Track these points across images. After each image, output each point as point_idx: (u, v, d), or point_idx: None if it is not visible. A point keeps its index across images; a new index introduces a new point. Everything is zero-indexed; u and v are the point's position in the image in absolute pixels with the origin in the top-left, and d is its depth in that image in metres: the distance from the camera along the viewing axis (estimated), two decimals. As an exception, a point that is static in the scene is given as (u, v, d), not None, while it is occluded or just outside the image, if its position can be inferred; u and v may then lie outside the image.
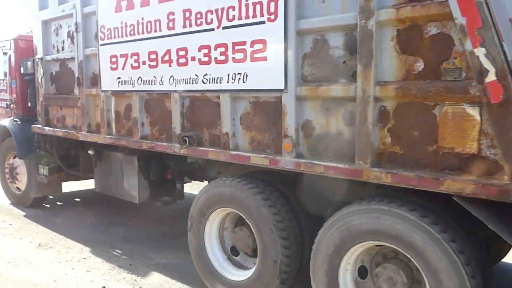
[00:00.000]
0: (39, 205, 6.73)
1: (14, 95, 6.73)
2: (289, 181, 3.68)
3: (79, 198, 7.46)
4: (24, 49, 6.68)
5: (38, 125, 5.95)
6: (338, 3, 2.81)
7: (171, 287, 4.16)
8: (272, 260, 3.36)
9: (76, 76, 5.03)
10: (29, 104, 6.50)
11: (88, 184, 6.86)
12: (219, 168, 4.65)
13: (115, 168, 5.06)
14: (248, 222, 3.54)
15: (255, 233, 3.49)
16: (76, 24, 4.92)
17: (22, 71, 6.53)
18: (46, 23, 5.55)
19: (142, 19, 4.07)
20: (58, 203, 7.07)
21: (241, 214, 3.59)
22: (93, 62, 4.89)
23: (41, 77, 5.59)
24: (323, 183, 3.53)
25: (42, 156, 6.28)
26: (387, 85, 2.62)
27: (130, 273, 4.44)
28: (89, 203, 7.04)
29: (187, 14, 3.64)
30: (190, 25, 3.63)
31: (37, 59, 5.70)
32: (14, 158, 6.78)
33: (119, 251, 5.01)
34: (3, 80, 7.06)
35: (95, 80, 4.89)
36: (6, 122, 6.63)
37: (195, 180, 5.20)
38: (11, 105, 6.72)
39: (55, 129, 5.57)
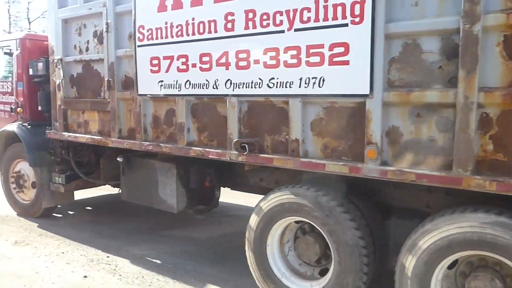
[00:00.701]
0: (49, 215, 6.32)
1: (21, 98, 6.28)
2: (353, 187, 3.58)
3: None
4: (31, 49, 6.27)
5: (53, 130, 5.57)
6: (433, 7, 2.73)
7: (149, 274, 4.50)
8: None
9: (106, 79, 4.73)
10: (39, 108, 6.10)
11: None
12: (261, 175, 4.51)
13: (148, 176, 4.78)
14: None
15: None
16: (106, 23, 4.63)
17: (31, 73, 6.12)
18: (66, 22, 5.20)
19: (193, 19, 3.86)
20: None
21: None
22: (126, 64, 4.61)
23: (61, 80, 5.23)
24: (386, 190, 3.49)
25: (56, 163, 5.90)
26: (492, 91, 2.56)
27: (109, 264, 4.73)
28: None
29: (250, 15, 3.47)
30: (254, 27, 3.46)
31: (55, 60, 5.33)
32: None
33: (95, 246, 5.26)
34: (6, 81, 6.59)
35: (128, 83, 4.62)
36: (13, 127, 6.18)
37: (233, 188, 4.99)
38: (18, 109, 6.27)
39: (77, 134, 5.22)
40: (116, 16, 4.59)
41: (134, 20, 4.34)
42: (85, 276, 4.40)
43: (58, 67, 5.29)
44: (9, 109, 6.51)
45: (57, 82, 5.39)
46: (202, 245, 5.36)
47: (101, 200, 7.48)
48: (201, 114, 4.03)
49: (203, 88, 3.88)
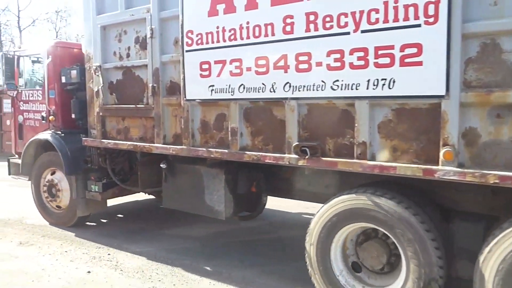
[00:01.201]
0: (82, 224, 6.24)
1: (53, 107, 6.23)
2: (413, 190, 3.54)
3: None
4: (62, 57, 6.23)
5: (90, 138, 5.52)
6: (514, 6, 2.71)
7: (148, 268, 4.81)
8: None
9: (150, 84, 4.68)
10: (73, 116, 6.05)
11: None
12: (309, 179, 4.46)
13: (193, 182, 4.73)
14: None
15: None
16: (151, 29, 4.59)
17: (63, 81, 6.08)
18: (105, 29, 5.16)
19: (247, 23, 3.83)
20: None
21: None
22: (171, 69, 4.58)
23: (100, 86, 5.18)
24: (447, 193, 3.45)
25: (93, 171, 5.84)
26: None
27: (110, 261, 5.05)
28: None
29: (312, 18, 3.44)
30: (316, 29, 3.43)
31: (93, 67, 5.28)
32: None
33: (96, 244, 5.57)
34: (36, 90, 6.54)
35: (174, 89, 4.58)
36: (45, 135, 6.12)
37: (276, 194, 4.92)
38: (50, 117, 6.22)
39: (117, 141, 5.16)
40: (160, 22, 4.55)
41: (182, 25, 4.30)
42: (89, 272, 4.72)
43: (97, 74, 5.25)
44: (39, 118, 6.46)
45: (95, 89, 5.34)
46: (198, 242, 5.70)
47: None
48: (255, 118, 3.98)
49: (258, 91, 3.84)
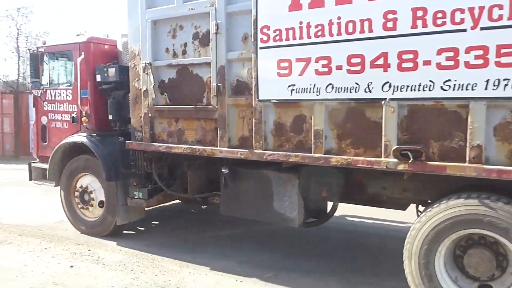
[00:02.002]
0: (120, 233, 5.84)
1: (86, 107, 5.80)
2: None
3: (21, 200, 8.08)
4: (96, 54, 5.82)
5: (136, 141, 5.14)
6: None
7: (130, 261, 4.94)
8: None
9: (214, 84, 4.37)
10: (110, 117, 5.65)
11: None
12: (384, 184, 4.27)
13: (259, 188, 4.45)
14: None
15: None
16: (216, 24, 4.28)
17: (98, 79, 5.67)
18: (155, 24, 4.81)
19: (339, 18, 3.59)
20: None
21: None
22: (238, 67, 4.29)
23: (152, 85, 4.82)
24: None
25: (131, 176, 5.47)
26: None
27: (91, 256, 5.13)
28: (32, 204, 7.79)
29: (420, 13, 3.24)
30: (424, 25, 3.23)
31: (141, 65, 4.91)
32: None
33: (75, 241, 5.63)
34: (65, 89, 6.08)
35: (241, 88, 4.29)
36: (80, 138, 5.69)
37: (345, 200, 4.69)
38: (82, 119, 5.79)
39: (170, 145, 4.82)
40: (227, 17, 4.26)
41: (256, 20, 4.02)
42: (72, 266, 4.81)
43: (146, 72, 4.88)
44: (69, 119, 6.02)
45: (143, 89, 4.97)
46: (177, 237, 5.81)
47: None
48: (342, 119, 3.75)
49: (350, 92, 3.61)
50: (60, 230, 6.13)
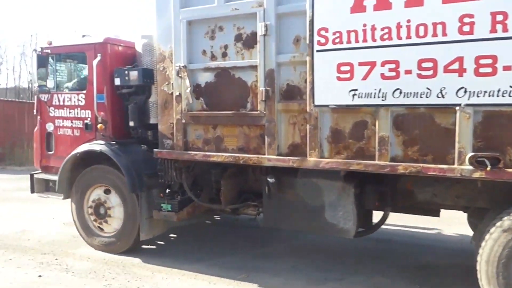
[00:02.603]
0: (136, 250, 5.43)
1: (102, 113, 5.36)
2: None
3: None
4: (113, 56, 5.40)
5: (166, 150, 4.79)
6: None
7: (100, 269, 4.90)
8: None
9: (262, 88, 4.12)
10: (131, 124, 5.25)
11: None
12: (435, 191, 4.20)
13: (309, 198, 4.24)
14: None
15: None
16: (265, 26, 4.05)
17: (117, 83, 5.26)
18: (190, 24, 4.50)
19: (408, 21, 3.46)
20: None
21: None
22: (288, 71, 4.08)
23: (188, 89, 4.49)
24: None
25: (154, 187, 5.10)
26: None
27: (60, 265, 5.04)
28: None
29: (500, 17, 3.17)
30: (505, 30, 3.16)
31: (175, 68, 4.57)
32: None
33: (40, 251, 5.50)
34: (76, 93, 5.60)
35: (292, 93, 4.08)
36: (97, 146, 5.24)
37: (391, 209, 4.55)
38: (98, 125, 5.34)
39: (210, 153, 4.50)
40: (277, 18, 4.04)
41: (311, 21, 3.83)
42: (40, 276, 4.70)
43: (180, 75, 4.55)
44: (81, 126, 5.55)
45: (175, 93, 4.64)
46: (146, 243, 5.62)
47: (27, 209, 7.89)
48: (409, 126, 3.61)
49: (421, 97, 3.49)
50: (23, 240, 6.01)
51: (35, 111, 5.97)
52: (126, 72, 5.16)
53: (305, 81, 3.99)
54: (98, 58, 5.28)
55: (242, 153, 4.37)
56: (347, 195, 4.09)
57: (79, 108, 5.56)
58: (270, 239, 5.91)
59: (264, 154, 4.23)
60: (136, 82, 5.13)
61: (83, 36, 5.99)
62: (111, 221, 5.37)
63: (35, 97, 5.92)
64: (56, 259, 5.19)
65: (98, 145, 5.24)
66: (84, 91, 5.53)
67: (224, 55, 4.39)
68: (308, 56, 3.89)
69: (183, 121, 4.63)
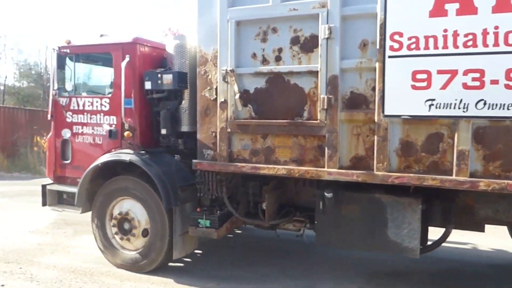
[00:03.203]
0: (164, 268, 4.98)
1: (129, 119, 4.91)
2: None
3: None
4: (143, 57, 4.97)
5: (207, 161, 4.39)
6: None
7: (66, 277, 4.77)
8: None
9: (324, 96, 3.80)
10: (163, 132, 4.82)
11: None
12: (498, 207, 3.98)
13: (368, 214, 3.93)
14: None
15: None
16: (329, 28, 3.74)
17: (148, 87, 4.83)
18: (239, 25, 4.15)
19: (496, 28, 3.23)
20: None
21: None
22: (353, 78, 3.78)
23: (237, 96, 4.12)
24: None
25: (189, 200, 4.70)
26: None
27: (24, 274, 4.88)
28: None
29: None
30: None
31: (221, 72, 4.20)
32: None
33: (4, 260, 5.31)
34: (99, 97, 5.13)
35: (356, 102, 3.79)
36: (125, 155, 4.77)
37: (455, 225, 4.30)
38: (125, 133, 4.88)
39: (260, 165, 4.13)
40: (342, 20, 3.74)
41: (384, 25, 3.55)
42: (3, 285, 4.53)
43: (227, 80, 4.19)
44: (104, 133, 5.07)
45: (220, 100, 4.26)
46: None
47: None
48: (491, 139, 3.37)
49: (508, 109, 3.25)
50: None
51: (49, 116, 5.44)
52: (159, 75, 4.74)
53: (372, 89, 3.71)
54: (127, 59, 4.83)
55: (296, 166, 4.04)
56: (413, 212, 3.81)
57: (102, 114, 5.09)
58: (237, 245, 5.87)
59: (323, 167, 3.91)
60: (170, 86, 4.71)
61: (101, 35, 5.54)
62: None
63: (50, 100, 5.40)
64: (20, 267, 5.01)
65: (126, 155, 4.77)
66: (109, 95, 5.07)
67: (278, 59, 4.05)
68: (378, 62, 3.61)
69: (229, 129, 4.25)
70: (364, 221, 3.99)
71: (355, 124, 3.81)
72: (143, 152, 4.79)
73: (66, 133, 5.31)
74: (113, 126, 5.01)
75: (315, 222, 4.22)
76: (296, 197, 4.79)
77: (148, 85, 4.82)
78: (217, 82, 4.32)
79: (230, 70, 4.16)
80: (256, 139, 4.21)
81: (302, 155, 4.03)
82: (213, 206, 4.73)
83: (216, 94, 4.33)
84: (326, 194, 4.00)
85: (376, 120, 3.67)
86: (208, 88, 4.39)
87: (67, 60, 5.25)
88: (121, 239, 4.98)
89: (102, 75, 5.42)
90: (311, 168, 3.96)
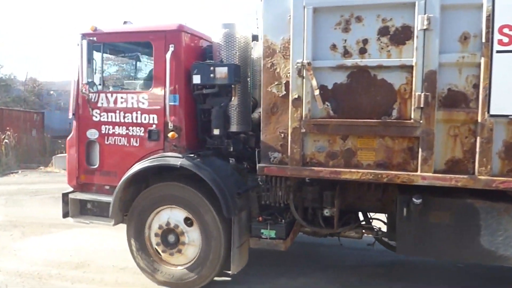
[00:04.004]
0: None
1: (174, 118, 4.31)
2: None
3: None
4: (189, 48, 4.39)
5: (275, 165, 3.92)
6: None
7: (13, 281, 4.59)
8: None
9: (420, 93, 3.45)
10: (216, 132, 4.29)
11: None
12: None
13: (459, 221, 3.66)
14: None
15: None
16: (428, 19, 3.39)
17: (197, 82, 4.26)
18: (315, 12, 3.70)
19: None
20: None
21: None
22: (451, 74, 3.47)
23: (318, 92, 3.66)
24: None
25: (245, 209, 4.22)
26: None
27: None
28: None
29: None
30: None
31: (295, 66, 3.73)
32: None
33: None
34: (135, 92, 4.47)
35: (454, 100, 3.49)
36: (174, 159, 4.18)
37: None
38: (170, 134, 4.28)
39: (341, 169, 3.73)
40: (442, 10, 3.40)
41: (492, 17, 3.25)
42: None
43: (302, 75, 3.73)
44: (142, 134, 4.44)
45: (293, 96, 3.80)
46: (63, 252, 5.51)
47: None
48: None
49: None
50: None
51: (71, 114, 4.71)
52: (212, 68, 4.18)
53: (474, 86, 3.42)
54: (171, 49, 4.23)
55: (382, 169, 3.68)
56: (510, 218, 3.58)
57: (139, 112, 4.44)
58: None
59: (414, 171, 3.58)
60: (224, 80, 4.18)
61: (125, 22, 4.87)
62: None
63: (72, 97, 4.67)
64: None
65: (175, 159, 4.18)
66: (147, 90, 4.44)
67: (363, 51, 3.65)
68: (484, 57, 3.32)
69: (303, 130, 3.80)
70: (454, 228, 3.71)
71: (453, 124, 3.50)
72: (193, 155, 4.22)
73: (93, 134, 4.61)
74: (154, 126, 4.40)
75: (396, 229, 3.90)
76: (359, 202, 4.44)
77: (197, 79, 4.25)
78: (287, 76, 3.85)
79: (307, 63, 3.70)
80: (334, 140, 3.80)
81: (389, 158, 3.67)
82: (272, 214, 4.28)
83: (286, 89, 3.87)
84: (414, 200, 3.67)
85: (479, 120, 3.38)
86: (276, 83, 3.90)
87: (93, 50, 4.55)
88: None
89: (136, 67, 4.76)
90: (401, 172, 3.61)
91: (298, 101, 3.81)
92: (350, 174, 3.74)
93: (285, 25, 3.82)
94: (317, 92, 3.69)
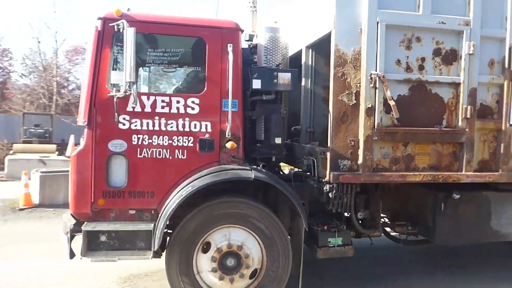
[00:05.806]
0: None
1: (229, 125, 3.78)
2: None
3: None
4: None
5: (348, 173, 3.94)
6: None
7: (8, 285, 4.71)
8: None
9: (466, 106, 4.13)
10: (278, 141, 4.02)
11: None
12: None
13: (482, 210, 4.54)
14: None
15: None
16: (473, 45, 4.09)
17: (256, 87, 3.91)
18: (387, 28, 3.95)
19: None
20: None
21: None
22: (482, 91, 4.29)
23: (391, 102, 3.88)
24: None
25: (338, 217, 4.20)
26: None
27: None
28: None
29: None
30: None
31: (368, 77, 3.87)
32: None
33: None
34: (186, 96, 3.71)
35: (483, 112, 4.34)
36: (245, 172, 3.67)
37: None
38: (229, 144, 3.75)
39: (407, 173, 4.05)
40: (481, 39, 4.17)
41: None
42: None
43: (376, 86, 3.91)
44: (191, 144, 3.75)
45: (366, 106, 3.94)
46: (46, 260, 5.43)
47: None
48: None
49: None
50: None
51: (83, 120, 3.55)
52: (275, 73, 3.91)
53: (497, 102, 4.34)
54: (230, 48, 3.75)
55: (434, 171, 4.22)
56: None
57: (187, 119, 3.73)
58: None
59: (457, 171, 4.25)
60: (287, 87, 3.96)
61: (128, 10, 4.05)
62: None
63: (84, 99, 3.53)
64: None
65: (243, 171, 3.70)
66: (198, 94, 3.77)
67: (421, 68, 4.12)
68: (507, 80, 4.26)
69: (375, 138, 3.99)
70: (479, 216, 4.56)
71: (483, 132, 4.33)
72: (255, 166, 3.83)
73: (119, 146, 3.62)
74: (207, 135, 3.79)
75: (435, 222, 4.49)
76: (397, 203, 4.90)
77: (257, 84, 3.89)
78: (357, 86, 3.99)
79: (382, 76, 3.93)
80: (397, 146, 4.13)
81: (439, 161, 4.25)
82: (326, 222, 4.29)
83: (356, 99, 3.99)
84: (455, 195, 4.37)
85: (503, 129, 4.31)
86: (347, 92, 3.98)
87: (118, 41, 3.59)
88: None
89: (187, 66, 3.93)
90: (452, 172, 4.24)
91: (371, 110, 3.99)
92: (414, 177, 4.14)
93: (356, 37, 3.97)
94: (393, 102, 3.97)
